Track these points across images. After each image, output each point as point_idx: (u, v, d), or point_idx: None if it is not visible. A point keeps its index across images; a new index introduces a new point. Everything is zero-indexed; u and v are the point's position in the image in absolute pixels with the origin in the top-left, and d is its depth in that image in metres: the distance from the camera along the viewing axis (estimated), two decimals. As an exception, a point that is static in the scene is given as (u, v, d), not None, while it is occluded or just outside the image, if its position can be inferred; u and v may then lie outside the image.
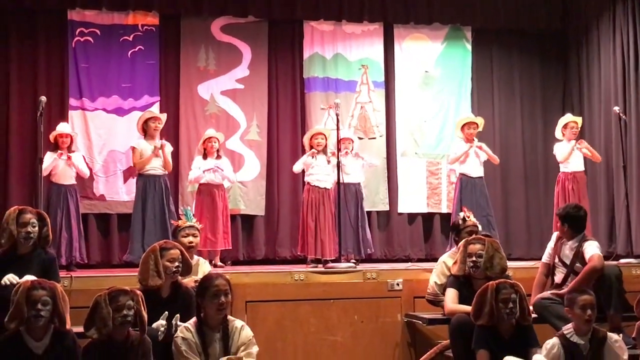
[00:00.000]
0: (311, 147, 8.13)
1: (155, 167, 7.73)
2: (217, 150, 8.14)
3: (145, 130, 7.80)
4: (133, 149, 7.87)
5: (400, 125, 9.84)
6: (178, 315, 4.69)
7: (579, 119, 8.68)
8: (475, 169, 8.50)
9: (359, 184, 8.45)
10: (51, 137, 7.81)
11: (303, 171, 8.33)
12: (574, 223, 5.78)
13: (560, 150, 8.55)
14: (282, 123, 9.59)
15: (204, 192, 8.03)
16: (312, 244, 7.89)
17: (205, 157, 8.09)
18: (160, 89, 9.17)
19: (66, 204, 7.70)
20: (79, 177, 7.95)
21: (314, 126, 9.11)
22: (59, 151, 7.71)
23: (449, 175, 9.63)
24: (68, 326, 4.27)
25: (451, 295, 5.48)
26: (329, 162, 8.01)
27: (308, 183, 8.09)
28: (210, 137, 8.11)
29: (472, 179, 8.47)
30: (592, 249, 5.59)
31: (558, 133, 8.61)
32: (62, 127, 7.93)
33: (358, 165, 8.44)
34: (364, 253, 8.38)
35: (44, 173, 7.33)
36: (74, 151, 7.94)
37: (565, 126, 8.54)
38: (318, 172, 8.03)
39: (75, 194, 7.85)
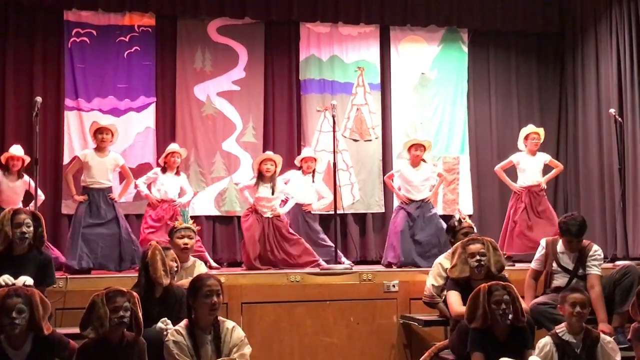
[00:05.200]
0: (259, 173, 7.75)
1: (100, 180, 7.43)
2: (177, 167, 7.89)
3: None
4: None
5: (396, 127, 9.81)
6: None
7: (541, 130, 8.41)
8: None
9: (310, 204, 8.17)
10: (2, 158, 7.46)
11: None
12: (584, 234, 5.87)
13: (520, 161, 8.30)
14: (277, 125, 9.55)
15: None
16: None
17: (164, 170, 7.83)
18: (157, 89, 9.14)
19: None
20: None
21: (310, 128, 9.11)
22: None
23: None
24: (47, 332, 4.15)
25: (456, 297, 5.36)
26: (273, 191, 7.66)
27: (252, 210, 7.69)
28: (173, 152, 7.83)
29: None
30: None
31: (520, 144, 8.37)
32: (14, 150, 7.48)
33: (313, 187, 8.19)
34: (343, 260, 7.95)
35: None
36: (23, 175, 7.44)
37: (526, 137, 8.29)
38: (263, 199, 7.68)
39: None
